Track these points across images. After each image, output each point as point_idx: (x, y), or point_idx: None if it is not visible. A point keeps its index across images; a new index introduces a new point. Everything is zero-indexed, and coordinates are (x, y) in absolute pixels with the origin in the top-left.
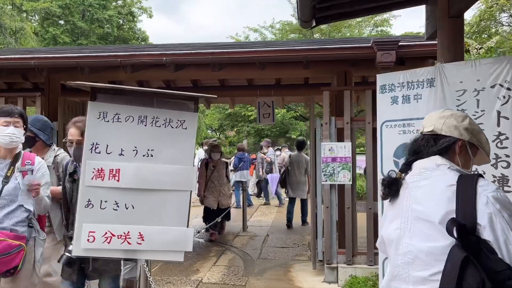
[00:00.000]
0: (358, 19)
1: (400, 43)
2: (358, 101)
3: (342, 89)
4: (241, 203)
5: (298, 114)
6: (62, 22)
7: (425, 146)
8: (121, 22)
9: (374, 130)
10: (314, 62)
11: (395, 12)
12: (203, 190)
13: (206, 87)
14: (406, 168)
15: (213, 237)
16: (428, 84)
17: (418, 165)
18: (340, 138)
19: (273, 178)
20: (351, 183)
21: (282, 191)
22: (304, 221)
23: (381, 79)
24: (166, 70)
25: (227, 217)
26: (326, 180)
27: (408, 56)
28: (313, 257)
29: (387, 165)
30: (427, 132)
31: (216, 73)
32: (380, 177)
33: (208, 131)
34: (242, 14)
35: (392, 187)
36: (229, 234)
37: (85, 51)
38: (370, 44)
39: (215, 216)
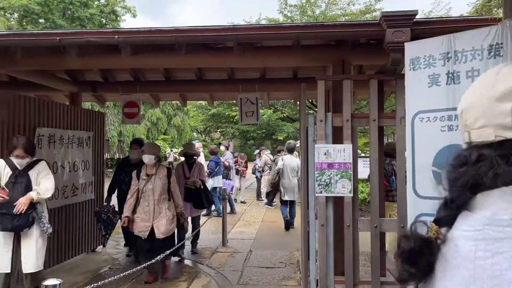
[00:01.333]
0: (347, 17)
1: (415, 19)
2: (354, 97)
3: (341, 79)
4: (222, 212)
5: (285, 115)
6: (42, 20)
7: (489, 172)
8: (104, 21)
9: (381, 129)
10: (305, 48)
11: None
12: (131, 210)
13: (180, 80)
14: (451, 218)
15: (150, 279)
16: (491, 53)
17: (496, 202)
18: (337, 139)
19: (229, 185)
20: (351, 195)
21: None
22: (291, 223)
23: (412, 48)
24: (123, 54)
25: (174, 253)
26: (321, 191)
27: (425, 35)
28: (304, 283)
29: (422, 179)
30: (479, 142)
31: (186, 60)
32: (410, 194)
33: (194, 133)
34: (229, 17)
35: (422, 258)
36: (206, 250)
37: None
38: (377, 21)
39: (146, 249)
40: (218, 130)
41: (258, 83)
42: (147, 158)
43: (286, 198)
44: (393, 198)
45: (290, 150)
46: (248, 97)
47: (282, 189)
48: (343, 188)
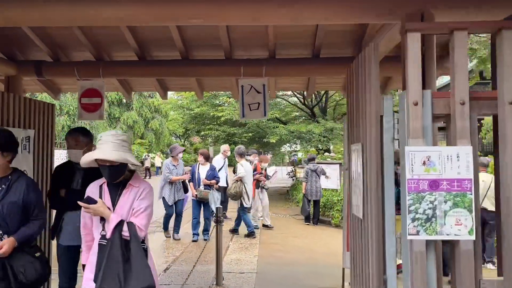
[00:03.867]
0: None
1: None
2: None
3: (451, 29)
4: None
5: (274, 116)
6: None
7: None
8: None
9: None
10: None
11: None
12: None
13: (159, 61)
14: None
15: None
16: None
17: None
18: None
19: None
20: (473, 237)
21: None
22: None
23: None
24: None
25: None
26: (417, 232)
27: None
28: None
29: None
30: None
31: (163, 11)
32: None
33: (172, 137)
34: None
35: None
36: None
37: None
38: None
39: None
40: (202, 133)
41: (267, 65)
42: None
43: (248, 205)
44: (398, 212)
45: (242, 155)
46: (253, 84)
47: (246, 196)
48: (457, 226)
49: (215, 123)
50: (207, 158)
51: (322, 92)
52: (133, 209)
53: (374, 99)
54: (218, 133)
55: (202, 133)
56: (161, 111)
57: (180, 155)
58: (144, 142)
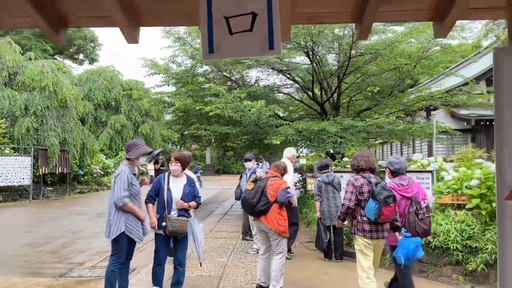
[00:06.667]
0: None
1: None
2: None
3: None
4: None
5: (273, 112)
6: None
7: None
8: None
9: None
10: None
11: None
12: None
13: None
14: None
15: None
16: None
17: None
18: None
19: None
20: None
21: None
22: None
23: None
24: None
25: None
26: None
27: None
28: None
29: None
30: None
31: None
32: None
33: (168, 145)
34: None
35: None
36: None
37: None
38: None
39: None
40: (186, 133)
41: None
42: None
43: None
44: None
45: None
46: None
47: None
48: None
49: (203, 122)
50: (186, 165)
51: (334, 86)
52: None
53: None
54: (206, 133)
55: (186, 132)
56: (153, 115)
57: (143, 159)
58: None
